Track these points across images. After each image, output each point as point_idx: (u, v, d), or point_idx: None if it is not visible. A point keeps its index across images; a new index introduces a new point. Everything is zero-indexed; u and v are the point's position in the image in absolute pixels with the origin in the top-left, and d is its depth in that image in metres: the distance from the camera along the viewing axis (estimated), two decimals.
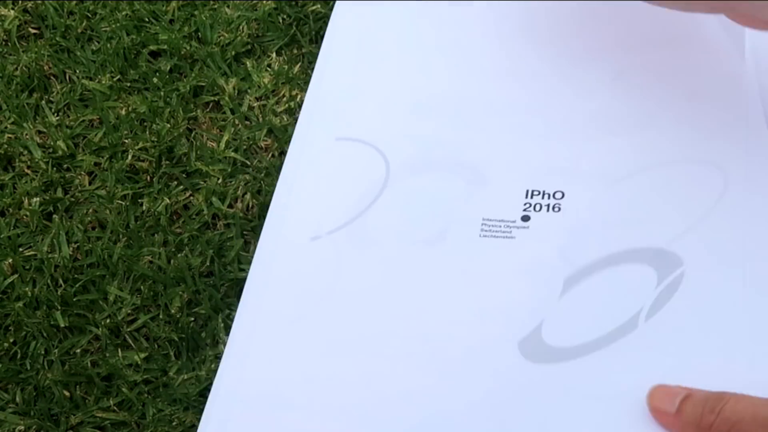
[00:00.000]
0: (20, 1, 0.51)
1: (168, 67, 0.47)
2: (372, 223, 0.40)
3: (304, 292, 0.38)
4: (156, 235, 0.42)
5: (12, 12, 0.50)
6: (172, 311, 0.40)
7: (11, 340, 0.40)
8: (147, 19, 0.49)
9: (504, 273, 0.36)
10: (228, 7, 0.50)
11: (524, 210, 0.38)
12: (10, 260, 0.42)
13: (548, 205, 0.37)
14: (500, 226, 0.37)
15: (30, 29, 0.50)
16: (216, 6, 0.50)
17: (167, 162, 0.44)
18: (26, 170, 0.45)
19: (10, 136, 0.46)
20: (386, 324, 0.36)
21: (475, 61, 0.46)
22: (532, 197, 0.38)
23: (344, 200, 0.41)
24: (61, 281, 0.42)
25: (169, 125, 0.45)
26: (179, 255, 0.41)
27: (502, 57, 0.45)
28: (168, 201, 0.43)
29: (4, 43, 0.49)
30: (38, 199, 0.44)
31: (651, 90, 0.43)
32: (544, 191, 0.38)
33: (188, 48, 0.47)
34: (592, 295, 0.34)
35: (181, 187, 0.43)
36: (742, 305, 0.32)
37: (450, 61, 0.46)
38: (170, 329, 0.40)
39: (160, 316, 0.40)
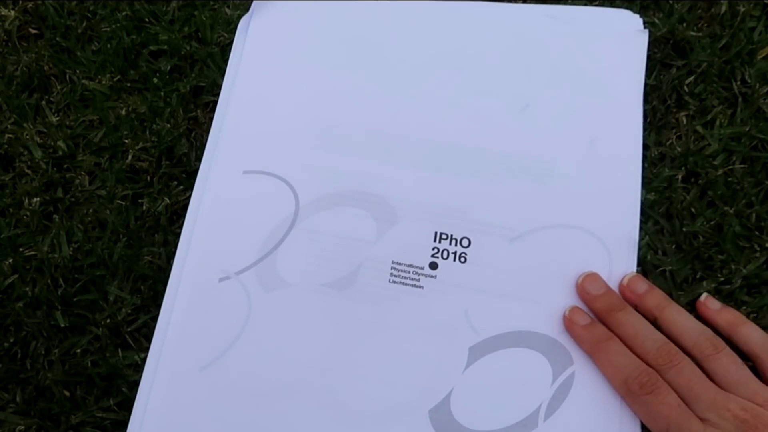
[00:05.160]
0: (20, 2, 0.51)
1: (168, 67, 0.47)
2: (282, 262, 0.39)
3: (213, 336, 0.38)
4: (156, 235, 0.42)
5: (12, 12, 0.50)
6: None
7: (11, 340, 0.40)
8: (147, 20, 0.49)
9: (412, 329, 0.36)
10: (228, 7, 0.50)
11: (432, 256, 0.37)
12: (10, 260, 0.42)
13: (455, 254, 0.37)
14: (409, 272, 0.37)
15: (30, 29, 0.50)
16: (216, 6, 0.50)
17: (167, 162, 0.44)
18: (26, 170, 0.45)
19: (10, 136, 0.46)
20: (295, 373, 0.36)
21: (384, 87, 0.45)
22: (440, 241, 0.37)
23: (254, 237, 0.41)
24: (61, 281, 0.42)
25: (169, 125, 0.45)
26: None
27: (413, 86, 0.44)
28: (168, 201, 0.43)
29: (4, 43, 0.50)
30: (38, 199, 0.44)
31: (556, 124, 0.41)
32: (451, 236, 0.38)
33: (188, 48, 0.47)
34: (495, 375, 0.35)
35: (181, 187, 0.43)
36: (619, 414, 0.33)
37: (357, 88, 0.45)
38: None
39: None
